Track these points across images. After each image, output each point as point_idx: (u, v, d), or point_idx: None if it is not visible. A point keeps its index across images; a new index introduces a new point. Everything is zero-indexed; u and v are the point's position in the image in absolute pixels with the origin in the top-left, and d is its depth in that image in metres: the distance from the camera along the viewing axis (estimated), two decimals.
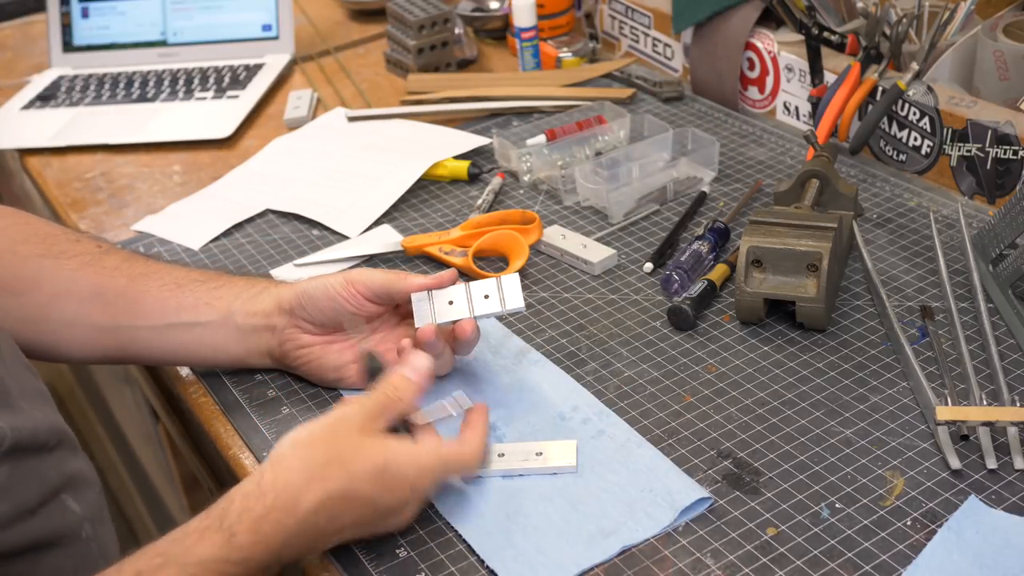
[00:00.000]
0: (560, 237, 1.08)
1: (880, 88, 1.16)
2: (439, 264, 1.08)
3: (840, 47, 1.21)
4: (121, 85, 1.58)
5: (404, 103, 1.45)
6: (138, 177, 1.35)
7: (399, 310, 0.91)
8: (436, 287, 0.86)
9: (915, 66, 1.14)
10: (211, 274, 0.92)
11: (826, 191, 1.01)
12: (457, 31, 1.56)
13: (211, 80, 1.57)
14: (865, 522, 0.74)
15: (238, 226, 1.19)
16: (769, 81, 1.30)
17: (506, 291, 0.86)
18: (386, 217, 1.18)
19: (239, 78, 1.56)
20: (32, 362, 0.79)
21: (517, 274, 0.87)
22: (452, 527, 0.76)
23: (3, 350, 0.75)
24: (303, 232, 1.17)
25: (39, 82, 1.63)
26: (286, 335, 0.88)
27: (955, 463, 0.77)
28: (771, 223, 0.93)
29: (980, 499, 0.74)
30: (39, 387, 0.77)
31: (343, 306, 0.87)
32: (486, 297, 0.86)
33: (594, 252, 1.05)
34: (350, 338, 0.90)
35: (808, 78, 1.24)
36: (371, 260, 1.10)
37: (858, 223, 1.03)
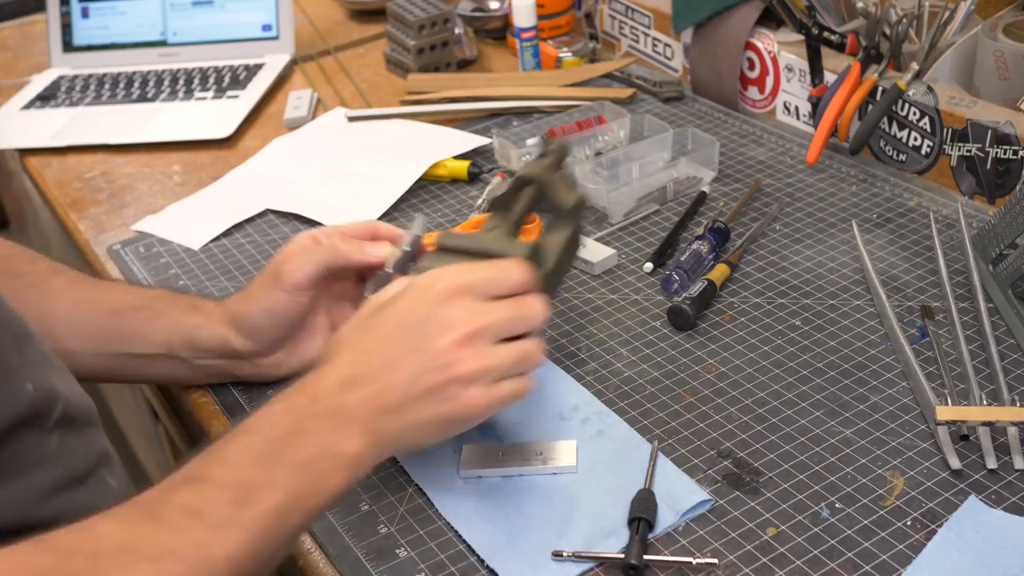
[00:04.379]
0: None
1: (880, 88, 1.16)
2: None
3: (840, 47, 1.21)
4: (121, 85, 1.58)
5: (404, 103, 1.45)
6: (138, 177, 1.35)
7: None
8: (371, 261, 0.84)
9: (915, 66, 1.14)
10: (148, 298, 0.89)
11: (544, 200, 0.85)
12: (457, 31, 1.56)
13: (211, 80, 1.57)
14: (865, 522, 0.74)
15: (238, 226, 1.19)
16: (769, 81, 1.30)
17: (411, 231, 0.85)
18: (386, 217, 1.18)
19: (239, 78, 1.56)
20: None
21: (421, 214, 0.86)
22: (452, 527, 0.76)
23: (31, 330, 0.75)
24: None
25: (39, 82, 1.63)
26: (254, 367, 0.88)
27: (955, 463, 0.77)
28: (455, 250, 0.79)
29: (980, 499, 0.74)
30: (63, 365, 0.78)
31: (290, 314, 0.85)
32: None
33: (594, 252, 1.05)
34: (313, 324, 0.88)
35: (808, 78, 1.24)
36: None
37: (858, 223, 1.03)
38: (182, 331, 0.87)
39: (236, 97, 1.51)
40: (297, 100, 1.49)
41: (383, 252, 0.85)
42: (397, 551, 0.75)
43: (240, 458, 0.65)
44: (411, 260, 0.85)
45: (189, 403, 0.95)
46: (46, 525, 0.66)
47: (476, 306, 0.70)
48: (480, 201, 1.18)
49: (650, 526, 0.73)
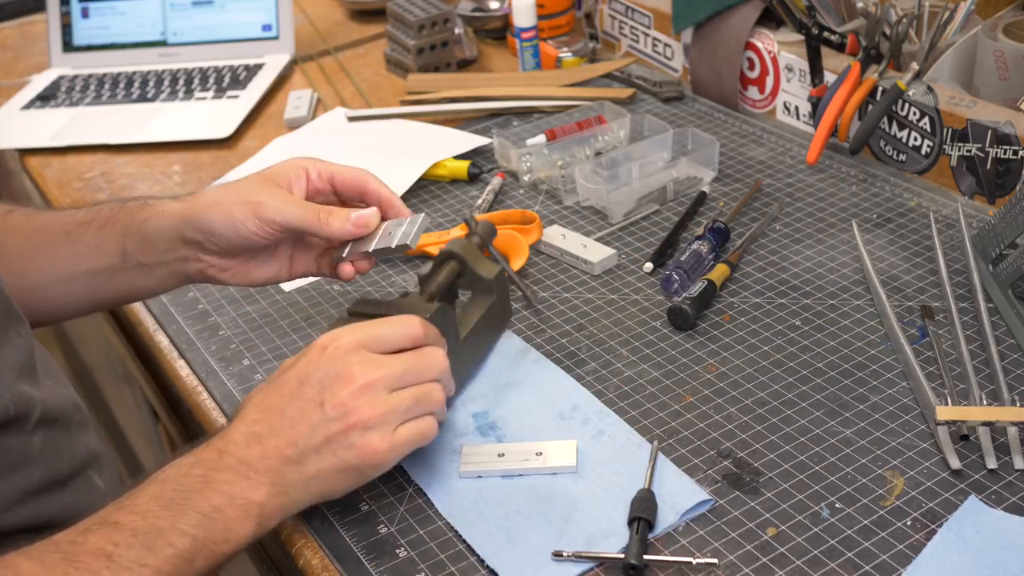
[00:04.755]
0: (560, 237, 1.08)
1: (880, 88, 1.16)
2: None
3: (840, 47, 1.21)
4: (121, 85, 1.58)
5: (404, 103, 1.45)
6: (138, 177, 1.35)
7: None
8: (360, 233, 0.85)
9: (915, 66, 1.14)
10: (97, 210, 0.89)
11: (465, 274, 0.90)
12: (457, 31, 1.56)
13: (211, 80, 1.57)
14: (865, 522, 0.74)
15: None
16: (769, 81, 1.30)
17: (408, 228, 0.86)
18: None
19: (239, 78, 1.56)
20: None
21: (424, 215, 0.88)
22: (452, 527, 0.76)
23: (24, 328, 0.75)
24: None
25: (39, 82, 1.63)
26: (201, 264, 0.87)
27: (955, 463, 0.77)
28: (365, 315, 0.82)
29: (980, 499, 0.74)
30: (54, 364, 0.78)
31: (254, 242, 0.85)
32: (389, 234, 0.87)
33: (594, 252, 1.05)
34: (272, 253, 0.89)
35: (808, 78, 1.24)
36: None
37: (858, 223, 1.03)
38: (132, 230, 0.86)
39: (236, 97, 1.51)
40: (297, 100, 1.49)
41: (345, 228, 0.85)
42: (397, 551, 0.75)
43: (151, 505, 0.67)
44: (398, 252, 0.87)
45: (189, 403, 0.95)
46: (24, 527, 0.67)
47: (371, 358, 0.74)
48: (480, 201, 1.18)
49: (650, 526, 0.73)
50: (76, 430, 0.77)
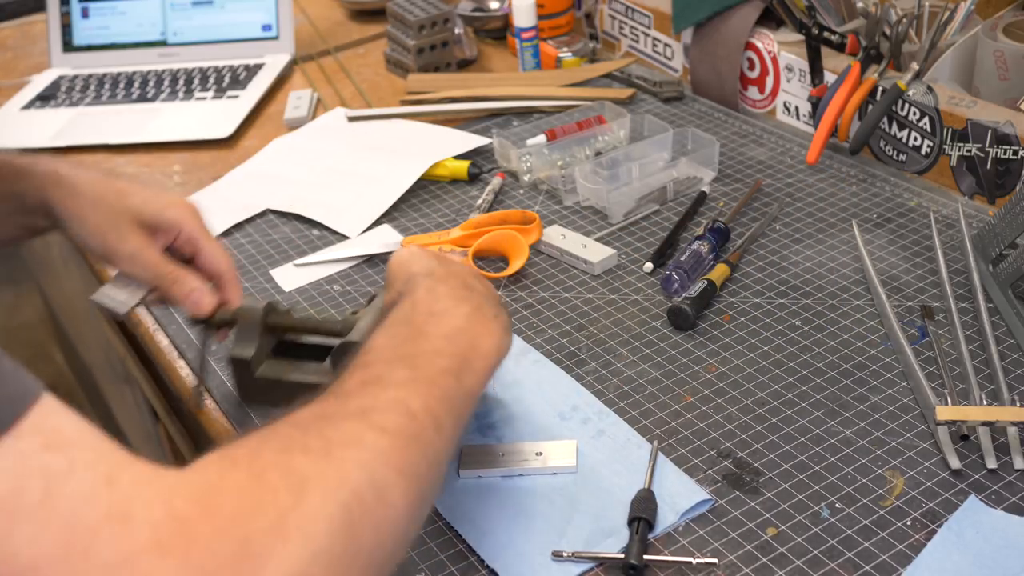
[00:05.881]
0: (560, 237, 1.08)
1: (880, 88, 1.16)
2: None
3: (840, 47, 1.21)
4: (121, 85, 1.58)
5: (404, 103, 1.45)
6: (138, 177, 1.35)
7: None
8: (192, 311, 0.87)
9: (915, 66, 1.14)
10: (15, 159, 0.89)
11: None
12: (457, 31, 1.56)
13: (211, 80, 1.57)
14: (865, 522, 0.74)
15: (238, 226, 1.19)
16: (769, 81, 1.30)
17: (128, 297, 0.87)
18: (386, 217, 1.18)
19: (239, 78, 1.56)
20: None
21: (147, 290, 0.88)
22: (452, 527, 0.76)
23: None
24: (303, 232, 1.17)
25: (39, 82, 1.63)
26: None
27: (955, 463, 0.77)
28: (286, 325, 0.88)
29: (980, 499, 0.74)
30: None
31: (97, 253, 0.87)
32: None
33: (594, 252, 1.05)
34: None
35: (808, 78, 1.24)
36: (371, 260, 1.10)
37: (858, 223, 1.03)
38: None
39: (236, 97, 1.51)
40: (297, 100, 1.49)
41: (186, 299, 0.86)
42: None
43: (390, 343, 0.66)
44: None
45: (189, 403, 0.95)
46: None
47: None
48: (480, 201, 1.18)
49: (650, 526, 0.73)
50: None
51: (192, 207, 0.88)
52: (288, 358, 0.87)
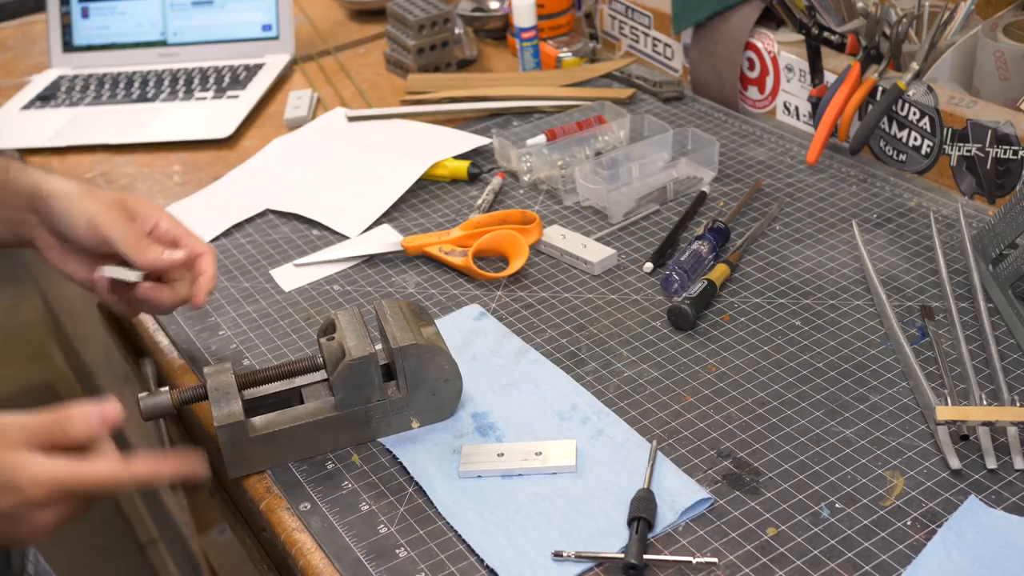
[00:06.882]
0: (560, 237, 1.08)
1: (880, 88, 1.16)
2: (439, 264, 1.08)
3: (840, 47, 1.21)
4: (121, 85, 1.58)
5: (404, 103, 1.45)
6: (138, 177, 1.35)
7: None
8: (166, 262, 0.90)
9: (915, 66, 1.14)
10: None
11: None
12: (457, 31, 1.56)
13: (211, 80, 1.57)
14: (865, 522, 0.74)
15: (238, 226, 1.19)
16: (769, 81, 1.30)
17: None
18: (386, 217, 1.18)
19: (239, 78, 1.56)
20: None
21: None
22: (452, 527, 0.76)
23: None
24: (303, 232, 1.17)
25: (39, 82, 1.63)
26: (34, 233, 0.91)
27: (955, 463, 0.77)
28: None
29: (980, 499, 0.74)
30: None
31: (82, 243, 0.89)
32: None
33: (594, 252, 1.05)
34: (90, 257, 0.91)
35: (808, 78, 1.24)
36: (371, 260, 1.10)
37: (858, 223, 1.03)
38: None
39: (236, 97, 1.51)
40: (297, 100, 1.49)
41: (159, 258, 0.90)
42: (397, 551, 0.75)
43: None
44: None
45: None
46: None
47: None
48: (480, 201, 1.18)
49: (650, 526, 0.73)
50: None
51: (165, 212, 0.94)
52: (266, 410, 0.84)
